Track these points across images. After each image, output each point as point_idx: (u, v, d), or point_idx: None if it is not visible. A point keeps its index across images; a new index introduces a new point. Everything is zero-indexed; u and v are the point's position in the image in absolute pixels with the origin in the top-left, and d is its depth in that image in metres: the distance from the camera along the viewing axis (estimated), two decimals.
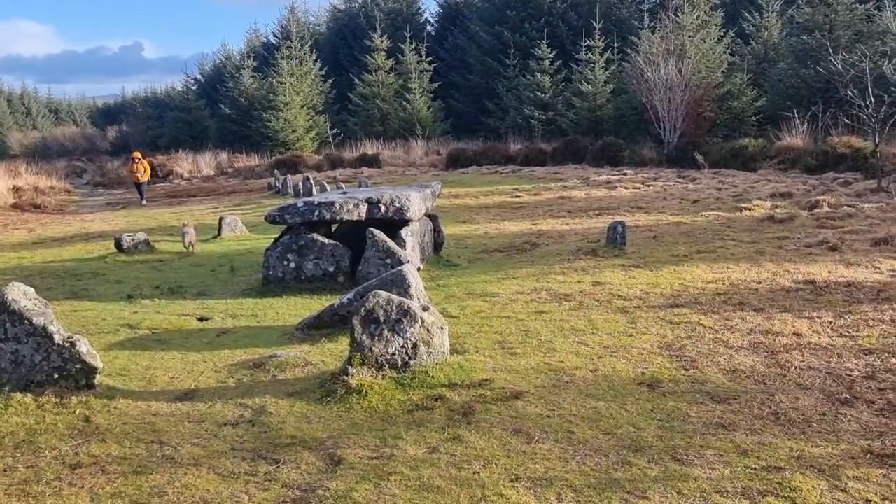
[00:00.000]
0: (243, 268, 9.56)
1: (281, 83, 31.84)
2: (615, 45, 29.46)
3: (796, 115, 18.80)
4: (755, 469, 3.53)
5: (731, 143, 20.10)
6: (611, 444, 3.87)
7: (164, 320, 6.84)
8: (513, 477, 3.57)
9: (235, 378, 5.18)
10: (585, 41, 30.13)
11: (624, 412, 4.26)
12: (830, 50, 15.56)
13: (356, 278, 7.86)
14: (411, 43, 35.51)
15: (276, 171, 23.11)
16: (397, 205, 7.98)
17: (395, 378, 4.80)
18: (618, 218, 12.31)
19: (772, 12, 26.81)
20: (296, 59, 33.75)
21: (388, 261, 7.73)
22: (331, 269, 7.93)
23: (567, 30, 34.86)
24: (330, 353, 5.59)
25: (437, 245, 9.50)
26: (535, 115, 30.56)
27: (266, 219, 8.27)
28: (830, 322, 5.68)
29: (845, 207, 11.44)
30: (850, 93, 13.25)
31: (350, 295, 6.10)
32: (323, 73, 35.56)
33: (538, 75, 31.14)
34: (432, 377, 4.82)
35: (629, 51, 27.72)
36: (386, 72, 34.50)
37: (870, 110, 13.03)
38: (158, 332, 6.49)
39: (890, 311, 5.81)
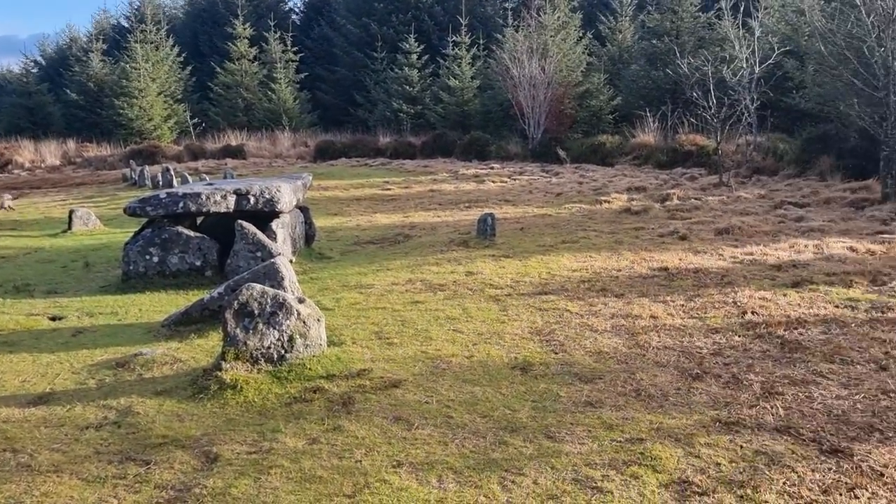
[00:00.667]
0: (99, 263, 8.99)
1: (135, 68, 30.05)
2: (481, 41, 30.13)
3: (648, 115, 20.04)
4: (620, 441, 3.77)
5: (590, 140, 21.13)
6: (488, 426, 4.00)
7: (9, 321, 6.32)
8: (395, 463, 3.62)
9: (96, 379, 4.88)
10: (452, 37, 30.62)
11: (499, 395, 4.41)
12: (678, 54, 16.73)
13: (225, 272, 7.60)
14: (276, 32, 34.61)
15: (131, 161, 21.82)
16: (267, 196, 7.80)
17: (271, 372, 4.71)
18: (487, 210, 12.65)
19: (625, 16, 28.37)
20: (151, 43, 31.94)
21: (259, 254, 7.53)
22: (198, 262, 7.62)
23: (434, 25, 35.26)
24: (200, 349, 5.39)
25: (309, 237, 9.36)
26: (404, 108, 30.69)
27: (125, 211, 7.82)
28: (682, 305, 6.15)
29: (692, 200, 12.37)
30: (695, 94, 14.28)
31: (220, 289, 5.91)
32: (181, 59, 33.90)
33: (406, 69, 31.28)
34: (310, 369, 4.77)
35: (494, 48, 28.52)
36: (249, 60, 33.42)
37: (712, 111, 14.12)
38: (3, 334, 5.98)
39: (732, 294, 6.37)
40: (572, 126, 23.03)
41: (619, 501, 3.22)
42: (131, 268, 7.61)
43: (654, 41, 22.79)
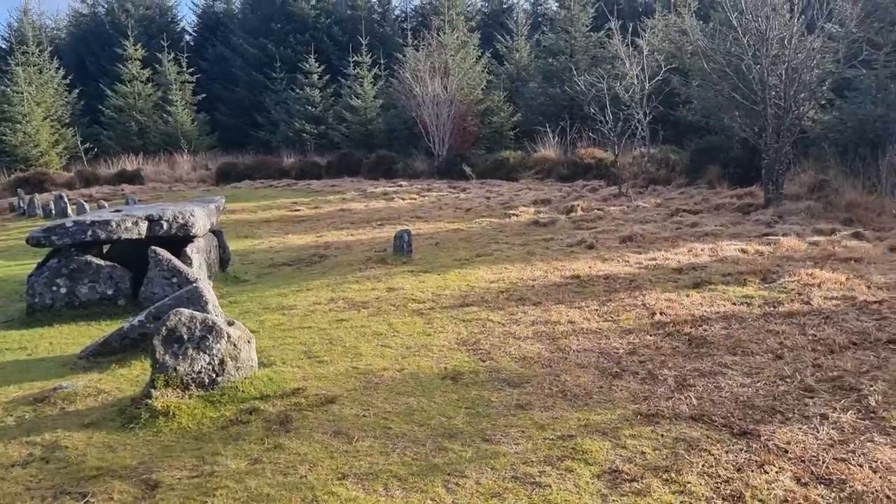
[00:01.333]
0: None
1: (17, 92, 28.48)
2: (381, 61, 30.42)
3: (548, 130, 20.81)
4: (552, 439, 4.00)
5: (494, 155, 21.71)
6: (426, 434, 4.14)
7: None
8: (339, 475, 3.70)
9: (14, 416, 4.69)
10: (353, 56, 30.77)
11: (433, 404, 4.56)
12: (574, 71, 17.51)
13: (139, 300, 7.41)
14: (170, 52, 33.70)
15: (19, 190, 20.67)
16: (181, 221, 7.67)
17: (203, 396, 4.68)
18: (400, 227, 12.81)
19: (521, 36, 29.33)
20: (34, 66, 30.38)
21: (175, 279, 7.39)
22: (109, 291, 7.39)
23: (333, 45, 35.24)
24: (124, 378, 5.26)
25: (224, 261, 9.23)
26: (307, 128, 30.51)
27: (28, 241, 7.48)
28: (596, 309, 6.50)
29: (595, 211, 12.97)
30: (592, 110, 14.99)
31: (142, 316, 5.78)
32: (67, 82, 32.39)
33: (307, 89, 31.14)
34: (242, 391, 4.77)
35: (395, 67, 28.87)
36: (142, 82, 32.35)
37: (608, 126, 14.86)
38: None
39: (641, 297, 6.78)
40: (476, 143, 23.57)
41: (558, 493, 3.43)
42: (37, 300, 7.29)
43: (550, 59, 23.71)
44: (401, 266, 8.97)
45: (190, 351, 4.70)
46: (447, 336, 5.95)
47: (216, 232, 9.11)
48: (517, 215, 13.04)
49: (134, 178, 25.74)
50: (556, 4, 25.61)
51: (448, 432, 4.14)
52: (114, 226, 7.34)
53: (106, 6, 40.49)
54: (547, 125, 21.16)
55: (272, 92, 33.65)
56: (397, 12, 40.78)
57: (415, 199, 17.40)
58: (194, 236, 7.87)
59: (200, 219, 7.87)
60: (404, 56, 27.56)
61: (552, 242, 10.10)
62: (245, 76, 35.57)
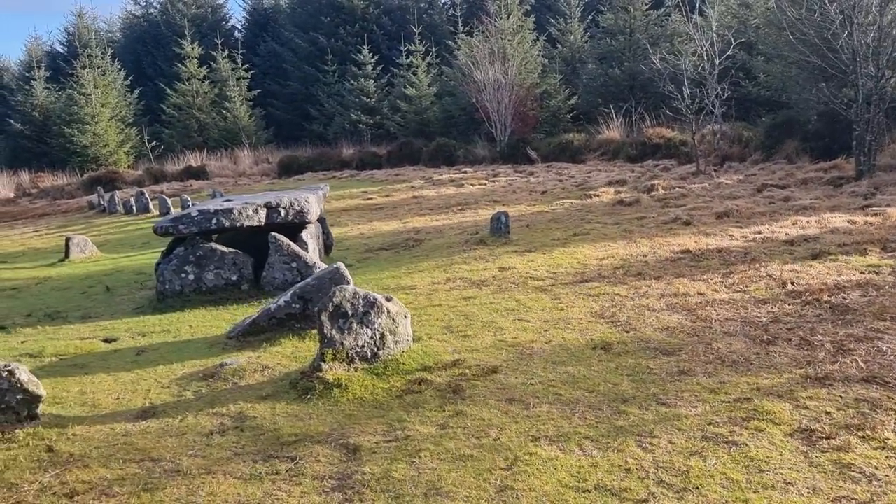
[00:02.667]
0: (119, 287, 8.92)
1: (84, 94, 29.38)
2: (433, 49, 30.52)
3: (612, 111, 20.67)
4: (729, 402, 4.08)
5: (556, 139, 21.66)
6: (599, 399, 4.26)
7: (66, 346, 6.28)
8: (531, 438, 3.84)
9: (191, 391, 4.95)
10: (406, 46, 30.95)
11: (594, 372, 4.68)
12: (650, 50, 17.35)
13: (261, 284, 7.69)
14: (224, 49, 34.36)
15: (98, 188, 21.36)
16: (297, 208, 7.90)
17: (367, 369, 4.87)
18: (479, 211, 12.97)
19: (574, 18, 29.14)
20: (98, 68, 31.26)
21: (294, 264, 7.64)
22: (234, 277, 7.68)
23: (383, 35, 35.47)
24: (281, 355, 5.50)
25: (328, 247, 9.48)
26: (363, 119, 30.84)
27: (156, 231, 7.80)
28: (721, 281, 6.53)
29: (677, 189, 12.90)
30: (667, 88, 14.87)
31: (287, 297, 6.01)
32: (128, 83, 33.25)
33: (362, 80, 31.44)
34: (404, 364, 4.95)
35: (450, 55, 28.99)
36: (200, 80, 33.05)
37: (685, 103, 14.73)
38: (67, 358, 5.96)
39: (762, 269, 6.78)
40: (536, 127, 23.53)
41: (756, 451, 3.52)
42: (167, 287, 7.61)
43: (609, 40, 23.50)
44: (502, 246, 9.09)
45: (354, 326, 4.89)
46: (580, 310, 6.05)
47: (320, 219, 9.35)
48: (597, 196, 13.04)
49: (200, 173, 26.36)
50: None
51: (620, 397, 4.26)
52: (236, 214, 7.61)
53: (159, 7, 41.41)
54: (611, 106, 21.00)
55: (324, 85, 34.03)
56: (444, 0, 40.84)
57: (484, 184, 17.50)
58: (308, 222, 8.11)
59: (314, 205, 8.10)
60: (456, 43, 27.66)
61: (646, 220, 10.11)
62: (297, 70, 36.04)
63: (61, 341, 6.46)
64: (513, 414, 4.15)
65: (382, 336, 4.99)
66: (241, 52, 34.49)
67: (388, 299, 5.17)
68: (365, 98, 31.30)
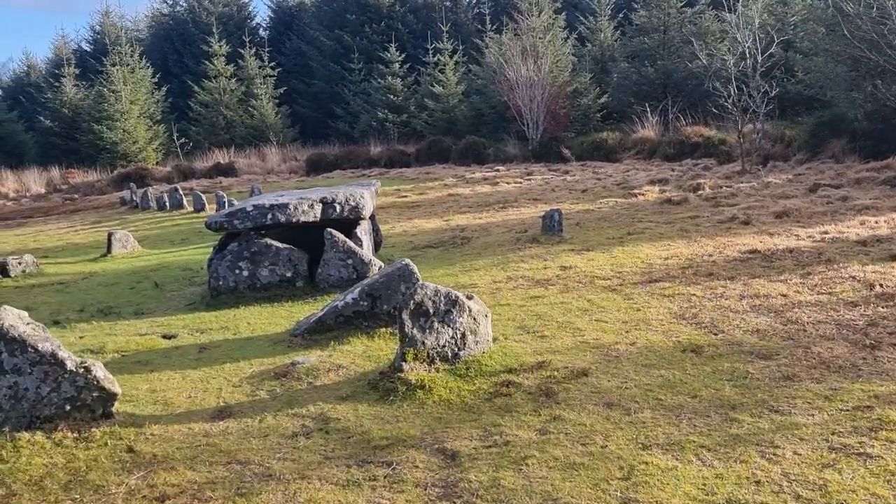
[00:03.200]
0: (168, 283, 8.78)
1: (113, 91, 29.47)
2: (460, 47, 30.33)
3: (647, 109, 20.34)
4: (848, 410, 3.84)
5: (590, 137, 21.37)
6: (704, 405, 4.03)
7: (126, 342, 6.13)
8: (641, 446, 3.62)
9: (265, 390, 4.77)
10: (432, 44, 30.79)
11: (690, 376, 4.45)
12: (695, 45, 17.01)
13: (316, 282, 7.52)
14: (251, 48, 34.36)
15: (131, 184, 21.36)
16: (352, 203, 7.72)
17: (449, 370, 4.67)
18: (522, 210, 12.75)
19: (604, 16, 28.81)
20: (127, 65, 31.32)
21: (350, 261, 7.46)
22: (288, 274, 7.50)
23: (408, 33, 35.29)
24: (352, 354, 5.31)
25: (377, 244, 9.29)
26: (390, 117, 30.71)
27: (210, 226, 7.64)
28: (801, 283, 6.27)
29: (724, 188, 12.60)
30: (713, 86, 14.56)
31: (354, 294, 5.82)
32: (155, 80, 33.31)
33: (389, 78, 31.30)
34: (486, 365, 4.75)
35: (474, 53, 28.79)
36: (227, 78, 33.06)
37: (731, 100, 14.41)
38: (129, 354, 5.81)
39: (842, 270, 6.51)
40: (567, 125, 23.24)
41: (894, 464, 3.27)
42: (221, 283, 7.45)
43: (644, 38, 23.16)
44: (557, 245, 8.86)
45: (436, 325, 4.70)
46: (657, 311, 5.81)
47: (371, 216, 9.16)
48: (641, 194, 12.76)
49: (228, 170, 26.33)
50: None
51: (727, 403, 4.02)
52: (292, 209, 7.44)
53: (186, 5, 41.56)
54: (646, 105, 20.68)
55: (350, 83, 33.93)
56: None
57: (520, 182, 17.26)
58: (362, 218, 7.93)
59: (368, 201, 7.92)
60: (484, 41, 27.44)
61: (700, 220, 9.83)
62: (322, 69, 35.96)
63: (119, 337, 6.32)
64: (614, 419, 3.93)
65: (463, 336, 4.79)
66: (267, 49, 34.45)
67: (469, 297, 4.97)
68: (392, 96, 31.15)
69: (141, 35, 44.26)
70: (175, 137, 29.42)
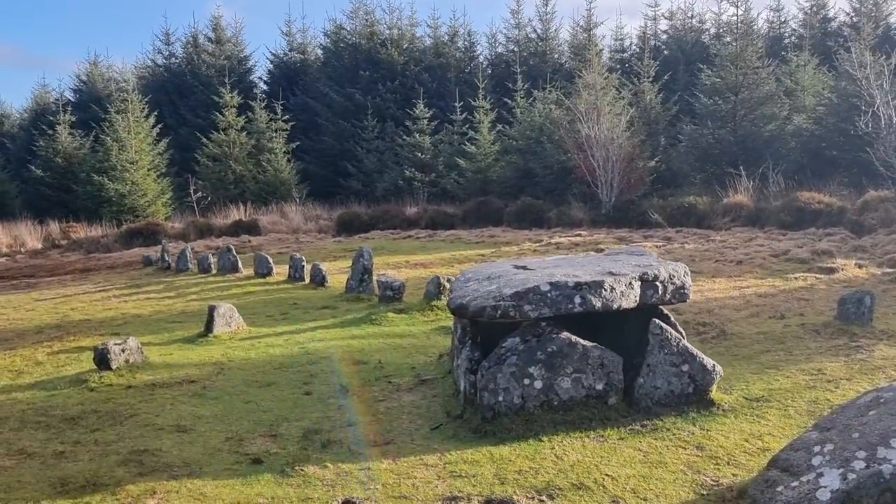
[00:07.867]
0: (351, 383, 6.21)
1: (117, 141, 26.79)
2: (486, 106, 28.74)
3: (743, 174, 18.63)
4: None
5: (677, 201, 19.46)
6: None
7: None
8: None
9: None
10: (459, 102, 29.14)
11: None
12: (864, 111, 15.31)
13: (635, 397, 5.10)
14: (262, 100, 32.23)
15: (163, 240, 18.55)
16: (677, 283, 5.37)
17: None
18: (711, 284, 10.53)
19: (647, 78, 27.43)
20: (132, 114, 28.71)
21: (685, 367, 5.10)
22: (598, 386, 5.06)
23: (424, 92, 33.68)
24: None
25: None
26: (418, 176, 28.65)
27: (475, 313, 5.13)
28: None
29: None
30: (882, 148, 12.80)
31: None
32: (156, 131, 30.72)
33: (417, 135, 29.39)
34: None
35: (505, 112, 27.18)
36: (237, 130, 30.71)
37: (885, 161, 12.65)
38: None
39: None
40: (642, 188, 21.41)
41: None
42: (501, 399, 4.95)
43: (717, 98, 21.68)
44: (868, 338, 6.60)
45: None
46: None
47: None
48: (839, 269, 10.68)
49: (251, 228, 23.74)
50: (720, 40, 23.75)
51: None
52: (608, 290, 5.05)
53: (183, 56, 39.58)
54: (741, 167, 18.96)
55: (363, 140, 31.97)
56: (480, 59, 39.36)
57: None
58: (679, 303, 5.58)
59: (688, 279, 5.58)
60: (514, 101, 25.81)
61: None
62: (331, 125, 34.18)
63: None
64: None
65: None
66: (281, 102, 32.30)
67: None
68: (420, 154, 29.18)
69: (127, 87, 41.82)
70: (192, 191, 26.62)
